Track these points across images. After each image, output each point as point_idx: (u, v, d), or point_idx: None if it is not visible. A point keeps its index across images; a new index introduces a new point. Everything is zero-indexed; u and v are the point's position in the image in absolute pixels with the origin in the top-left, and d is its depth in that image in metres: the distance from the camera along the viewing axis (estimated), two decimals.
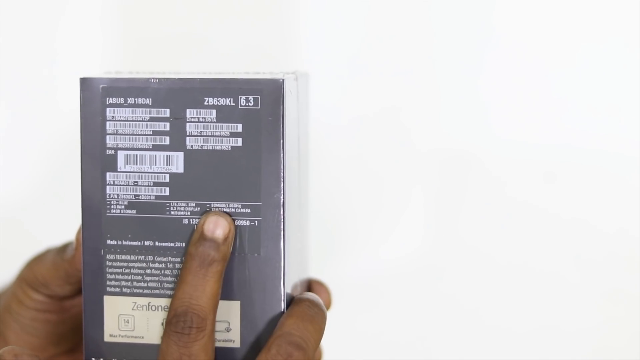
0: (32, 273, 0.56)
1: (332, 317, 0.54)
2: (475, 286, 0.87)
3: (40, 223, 0.89)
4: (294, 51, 0.88)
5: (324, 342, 0.55)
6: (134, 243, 0.51)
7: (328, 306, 0.59)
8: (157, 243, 0.51)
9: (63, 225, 0.62)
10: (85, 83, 0.51)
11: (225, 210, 0.50)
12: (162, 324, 0.51)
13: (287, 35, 0.88)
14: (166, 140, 0.51)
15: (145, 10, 0.89)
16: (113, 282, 0.51)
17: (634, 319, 0.84)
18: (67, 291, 0.56)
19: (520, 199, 0.86)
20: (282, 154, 0.50)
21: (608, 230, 0.85)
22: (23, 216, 0.90)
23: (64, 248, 0.56)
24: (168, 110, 0.50)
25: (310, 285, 0.59)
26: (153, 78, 0.50)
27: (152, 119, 0.51)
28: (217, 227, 0.50)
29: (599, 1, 0.83)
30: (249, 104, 0.50)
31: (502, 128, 0.86)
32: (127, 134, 0.51)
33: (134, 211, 0.51)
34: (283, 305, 0.51)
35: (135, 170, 0.51)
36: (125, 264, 0.51)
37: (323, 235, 0.87)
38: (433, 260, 0.88)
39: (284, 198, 0.50)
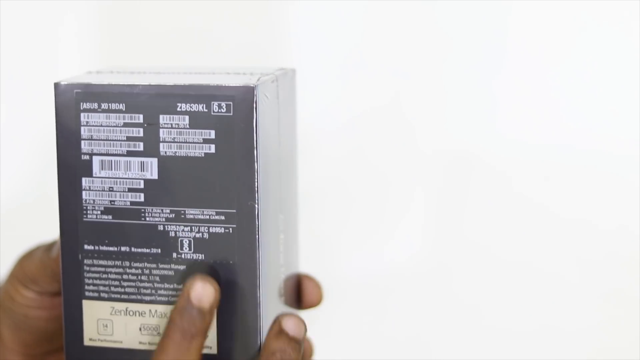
0: (22, 270, 0.56)
1: (336, 317, 0.54)
2: (477, 285, 0.87)
3: (35, 219, 0.89)
4: (296, 49, 0.87)
5: (329, 342, 0.54)
6: (111, 248, 0.51)
7: (319, 300, 0.58)
8: (133, 249, 0.51)
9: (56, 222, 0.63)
10: (59, 88, 0.50)
11: (199, 217, 0.50)
12: (140, 329, 0.51)
13: (291, 34, 0.87)
14: (140, 146, 0.50)
15: (134, 7, 0.89)
16: (91, 287, 0.51)
17: (634, 319, 0.83)
18: (56, 288, 0.56)
19: (523, 198, 0.86)
20: (255, 161, 0.49)
21: (609, 230, 0.84)
22: (18, 212, 0.91)
23: (51, 246, 0.56)
24: (141, 116, 0.50)
25: (300, 280, 0.59)
26: (126, 84, 0.50)
27: (125, 125, 0.50)
28: (204, 295, 0.48)
29: (601, 3, 0.82)
30: (222, 110, 0.49)
31: (504, 128, 0.86)
32: (101, 140, 0.50)
33: (110, 217, 0.51)
34: (259, 312, 0.50)
35: (110, 176, 0.50)
36: (103, 269, 0.51)
37: (326, 236, 0.86)
38: (435, 260, 0.88)
39: (258, 205, 0.49)
